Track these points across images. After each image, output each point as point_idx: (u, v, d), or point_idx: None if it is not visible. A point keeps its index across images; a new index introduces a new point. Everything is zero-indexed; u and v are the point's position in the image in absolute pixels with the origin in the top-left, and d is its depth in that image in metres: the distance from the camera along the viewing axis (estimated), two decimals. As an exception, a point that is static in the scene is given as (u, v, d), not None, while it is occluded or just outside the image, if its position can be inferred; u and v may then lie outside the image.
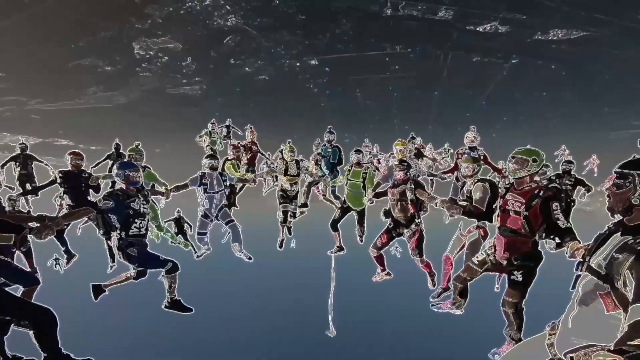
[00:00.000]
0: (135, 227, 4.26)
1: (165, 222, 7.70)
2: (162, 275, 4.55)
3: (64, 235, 6.36)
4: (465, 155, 5.93)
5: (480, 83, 28.68)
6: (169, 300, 4.63)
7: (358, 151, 6.56)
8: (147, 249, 4.54)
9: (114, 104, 42.66)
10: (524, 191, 3.60)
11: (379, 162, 10.49)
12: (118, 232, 4.27)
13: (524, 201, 3.53)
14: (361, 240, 6.89)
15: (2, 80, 37.33)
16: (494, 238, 3.86)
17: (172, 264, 4.50)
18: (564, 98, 27.40)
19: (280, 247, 7.11)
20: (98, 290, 4.73)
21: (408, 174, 5.34)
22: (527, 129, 29.43)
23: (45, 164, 8.64)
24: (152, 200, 6.02)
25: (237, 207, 8.13)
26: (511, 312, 3.70)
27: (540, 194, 3.44)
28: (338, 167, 7.88)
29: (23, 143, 8.96)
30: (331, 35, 29.90)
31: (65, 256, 6.47)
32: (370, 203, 6.28)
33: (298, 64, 32.98)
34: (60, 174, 6.21)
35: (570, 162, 8.04)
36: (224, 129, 11.52)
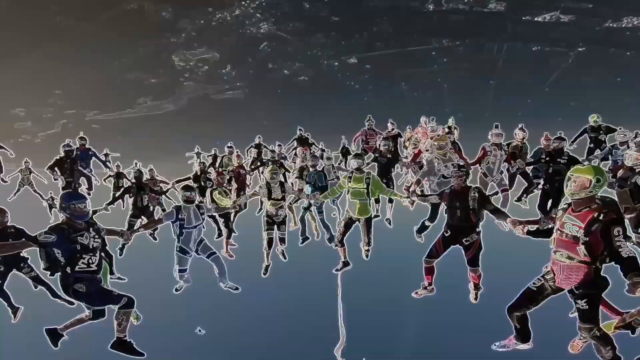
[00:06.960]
0: (83, 262, 3.66)
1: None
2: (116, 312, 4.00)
3: (4, 289, 5.40)
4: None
5: (541, 71, 25.67)
6: (117, 340, 4.01)
7: (357, 156, 5.74)
8: (101, 284, 3.94)
9: (163, 112, 44.80)
10: (582, 214, 3.14)
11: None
12: (63, 267, 3.70)
13: (583, 225, 3.10)
14: (367, 256, 6.08)
15: (60, 97, 40.17)
16: (550, 262, 3.45)
17: (127, 300, 3.91)
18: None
19: (265, 273, 6.39)
20: (54, 335, 4.12)
21: (467, 181, 4.91)
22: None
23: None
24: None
25: (235, 232, 7.70)
26: (590, 337, 3.32)
27: (601, 217, 3.02)
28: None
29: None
30: (369, 34, 27.82)
31: (10, 310, 5.50)
32: (411, 203, 5.38)
33: (336, 63, 31.40)
34: None
35: (561, 138, 6.67)
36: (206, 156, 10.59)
